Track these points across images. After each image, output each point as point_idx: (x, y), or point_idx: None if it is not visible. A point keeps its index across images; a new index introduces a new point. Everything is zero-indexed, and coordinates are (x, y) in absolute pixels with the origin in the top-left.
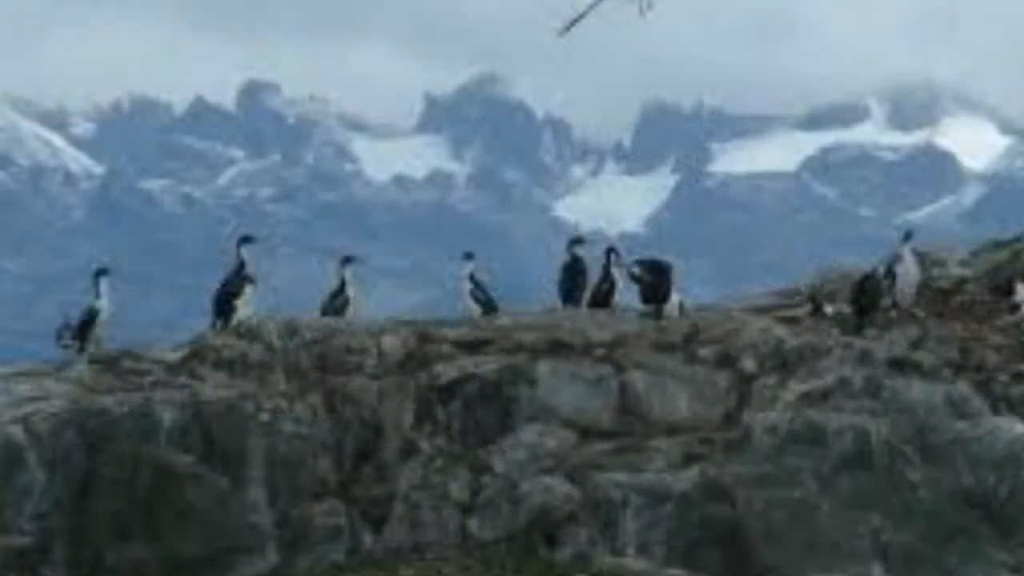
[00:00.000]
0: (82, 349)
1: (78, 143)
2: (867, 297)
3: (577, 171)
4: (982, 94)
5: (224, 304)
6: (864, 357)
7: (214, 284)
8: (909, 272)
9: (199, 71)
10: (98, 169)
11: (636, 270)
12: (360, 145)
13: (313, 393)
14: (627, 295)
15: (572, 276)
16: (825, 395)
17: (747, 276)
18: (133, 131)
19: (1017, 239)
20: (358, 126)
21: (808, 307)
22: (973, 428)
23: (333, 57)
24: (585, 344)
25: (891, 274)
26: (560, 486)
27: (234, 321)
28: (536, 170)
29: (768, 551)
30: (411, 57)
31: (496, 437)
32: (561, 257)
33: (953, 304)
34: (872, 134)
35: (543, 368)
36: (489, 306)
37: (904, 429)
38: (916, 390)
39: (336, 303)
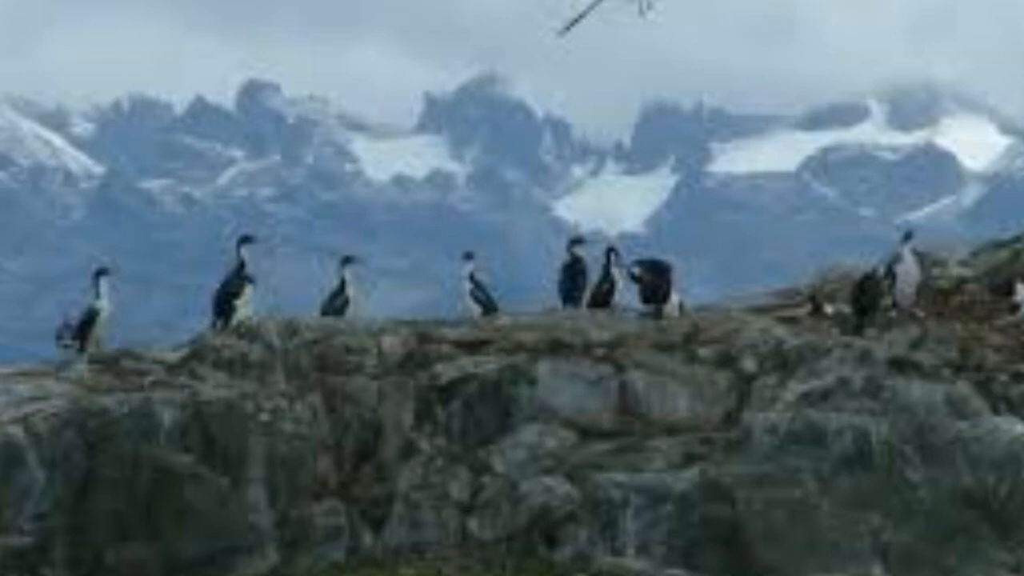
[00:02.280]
0: (82, 349)
1: (78, 143)
2: (867, 297)
3: (577, 171)
4: (982, 94)
5: (224, 304)
6: (864, 357)
7: (214, 284)
8: (909, 272)
9: (199, 71)
10: (98, 169)
11: (636, 270)
12: (360, 145)
13: (313, 393)
14: (627, 295)
15: (572, 276)
16: (825, 395)
17: (747, 276)
18: (133, 131)
19: (1017, 239)
20: (358, 126)
21: (808, 307)
22: (973, 428)
23: (333, 57)
24: (585, 344)
25: (891, 274)
26: (560, 486)
27: (234, 321)
28: (536, 170)
29: (768, 551)
30: (411, 57)
31: (496, 437)
32: (561, 257)
33: (953, 304)
34: (872, 134)
35: (543, 368)
36: (489, 306)
37: (904, 429)
38: (916, 390)
39: (336, 303)
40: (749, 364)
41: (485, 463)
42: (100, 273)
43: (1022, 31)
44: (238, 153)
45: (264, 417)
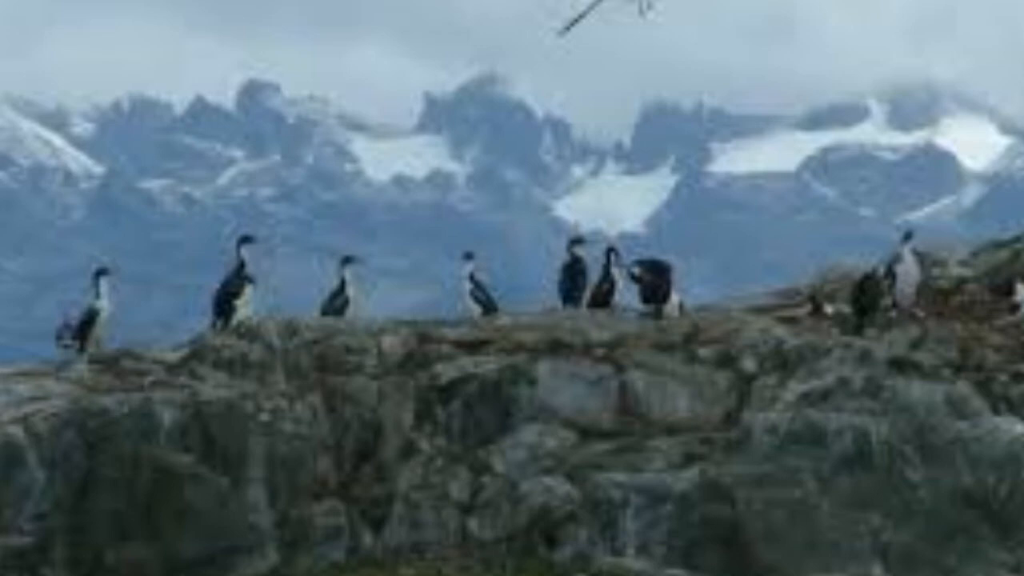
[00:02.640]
0: (82, 349)
1: (78, 143)
2: (867, 297)
3: (577, 171)
4: (982, 94)
5: (224, 304)
6: (864, 357)
7: (214, 284)
8: (909, 272)
9: (199, 71)
10: (98, 169)
11: (636, 270)
12: (360, 145)
13: (313, 393)
14: (627, 295)
15: (572, 276)
16: (825, 395)
17: (747, 276)
18: (133, 131)
19: (1017, 239)
20: (358, 126)
21: (808, 307)
22: (973, 428)
23: (333, 57)
24: (585, 344)
25: (891, 274)
26: (560, 486)
27: (234, 321)
28: (536, 170)
29: (768, 551)
30: (411, 57)
31: (496, 437)
32: (561, 257)
33: (953, 304)
34: (872, 134)
35: (543, 368)
36: (489, 306)
37: (904, 429)
38: (916, 390)
39: (336, 303)
40: (749, 364)
41: (485, 463)
42: (100, 273)
43: (1022, 31)
44: (238, 153)
45: (264, 417)
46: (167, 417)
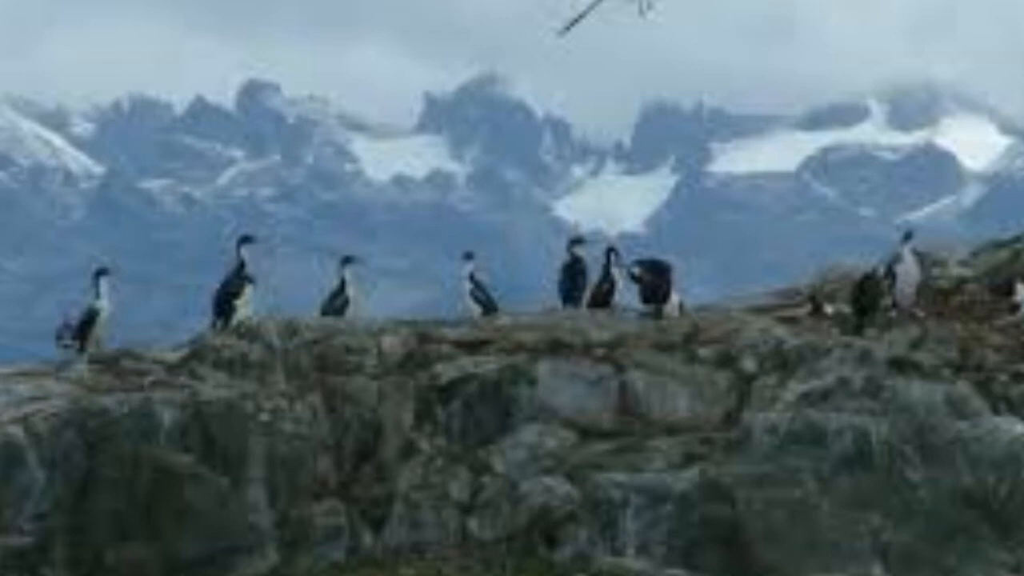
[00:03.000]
0: (82, 349)
1: (78, 143)
2: (867, 297)
3: (577, 171)
4: (982, 94)
5: (224, 304)
6: (864, 357)
7: (214, 284)
8: (909, 272)
9: (199, 71)
10: (98, 169)
11: (636, 270)
12: (360, 145)
13: (313, 393)
14: (627, 295)
15: (572, 276)
16: (825, 395)
17: (747, 276)
18: (133, 131)
19: (1017, 239)
20: (358, 126)
21: (808, 307)
22: (973, 428)
23: (333, 57)
24: (585, 344)
25: (891, 274)
26: (560, 486)
27: (234, 321)
28: (536, 170)
29: (768, 551)
30: (411, 57)
31: (496, 437)
32: (561, 257)
33: (953, 304)
34: (872, 134)
35: (543, 368)
36: (489, 306)
37: (904, 429)
38: (916, 390)
39: (336, 303)
40: (749, 364)
41: (485, 463)
42: (100, 273)
43: (1022, 31)
44: (238, 153)
45: (264, 417)
46: (167, 417)
